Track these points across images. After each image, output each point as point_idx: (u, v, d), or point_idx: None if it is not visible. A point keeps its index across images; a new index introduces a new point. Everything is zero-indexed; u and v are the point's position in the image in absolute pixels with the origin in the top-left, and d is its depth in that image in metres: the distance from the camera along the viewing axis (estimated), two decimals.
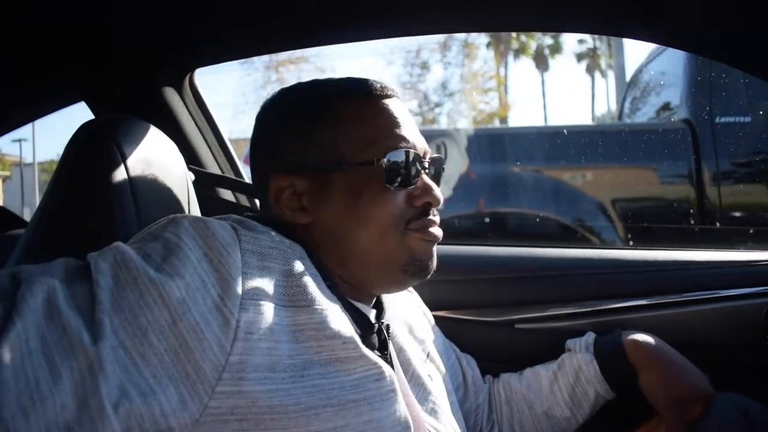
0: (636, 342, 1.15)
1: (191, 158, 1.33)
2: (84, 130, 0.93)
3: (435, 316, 1.21)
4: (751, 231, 3.08)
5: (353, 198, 0.83)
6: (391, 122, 0.87)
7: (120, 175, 0.87)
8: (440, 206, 0.88)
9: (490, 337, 1.41)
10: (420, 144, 0.89)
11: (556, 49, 23.46)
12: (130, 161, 0.88)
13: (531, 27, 1.31)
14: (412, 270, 0.86)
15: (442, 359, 1.06)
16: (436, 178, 0.92)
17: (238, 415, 0.64)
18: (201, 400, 0.62)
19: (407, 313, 1.03)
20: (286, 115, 0.89)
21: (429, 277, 0.88)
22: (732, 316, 1.40)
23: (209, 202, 1.19)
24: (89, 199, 0.86)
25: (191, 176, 1.10)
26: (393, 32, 1.24)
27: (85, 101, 1.41)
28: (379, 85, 0.91)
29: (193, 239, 0.68)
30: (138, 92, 1.38)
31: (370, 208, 0.83)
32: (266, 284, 0.69)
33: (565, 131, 3.81)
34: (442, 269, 1.54)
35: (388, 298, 0.99)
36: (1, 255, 1.31)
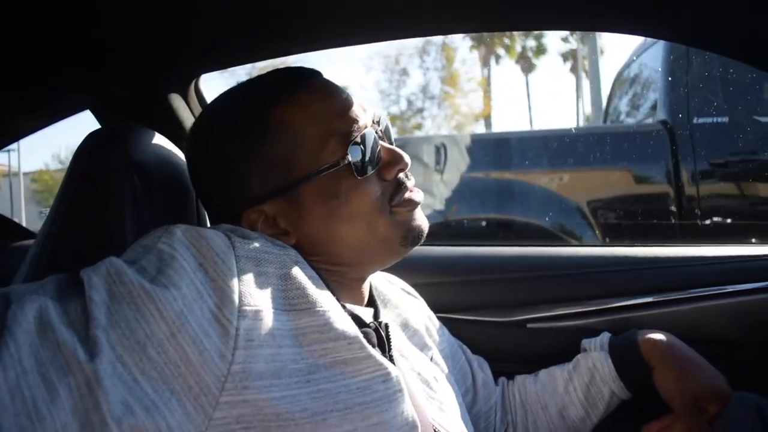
0: (651, 340, 1.14)
1: None
2: (92, 139, 0.93)
3: (446, 318, 1.21)
4: (729, 223, 3.11)
5: (329, 203, 0.81)
6: (332, 107, 0.83)
7: (129, 183, 0.87)
8: (409, 164, 0.87)
9: (501, 338, 1.41)
10: (362, 113, 0.85)
11: (540, 50, 23.10)
12: (138, 169, 0.88)
13: (536, 26, 1.29)
14: (410, 240, 0.86)
15: (448, 363, 1.04)
16: (388, 135, 0.90)
17: (244, 424, 0.63)
18: (206, 412, 0.61)
19: (410, 315, 1.01)
20: (231, 138, 0.83)
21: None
22: (743, 311, 1.39)
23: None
24: (99, 208, 0.86)
25: None
26: (405, 33, 1.23)
27: (90, 109, 1.41)
28: (300, 71, 0.87)
29: (187, 249, 0.66)
30: (143, 100, 1.38)
31: (350, 206, 0.81)
32: (264, 290, 0.68)
33: (546, 135, 3.85)
34: (451, 270, 1.55)
35: (384, 299, 0.98)
36: (9, 266, 1.31)
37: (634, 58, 3.82)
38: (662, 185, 3.33)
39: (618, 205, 3.55)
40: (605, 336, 1.20)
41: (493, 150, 3.89)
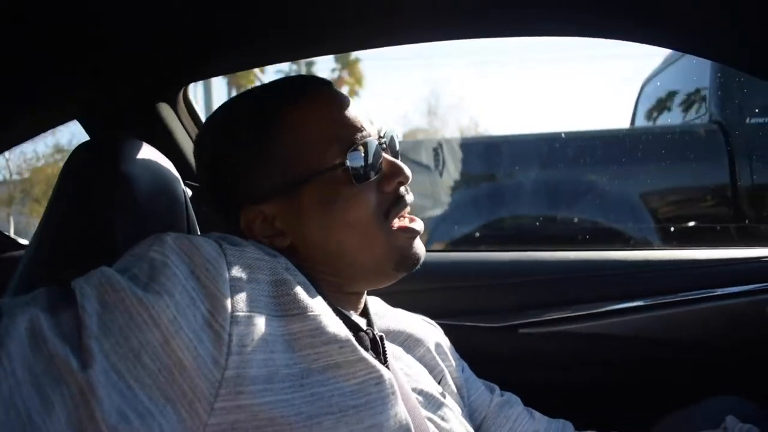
0: None
1: (188, 173, 1.32)
2: (81, 151, 0.93)
3: (438, 324, 1.21)
4: None
5: (327, 207, 0.82)
6: (339, 114, 0.85)
7: (120, 194, 0.86)
8: (410, 178, 0.87)
9: (494, 343, 1.41)
10: (368, 124, 0.87)
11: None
12: (128, 180, 0.88)
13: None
14: (404, 266, 0.86)
15: (462, 392, 1.02)
16: (393, 149, 0.90)
17: (239, 430, 0.62)
18: (200, 418, 0.61)
19: (421, 334, 1.01)
20: (235, 137, 0.86)
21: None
22: (734, 314, 1.40)
23: (207, 217, 1.18)
24: (89, 219, 0.86)
25: (189, 192, 1.10)
26: (409, 38, 1.23)
27: (78, 120, 1.40)
28: (314, 79, 0.89)
29: (178, 256, 0.66)
30: (132, 110, 1.38)
31: (347, 213, 0.82)
32: (255, 296, 0.68)
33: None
34: (443, 276, 1.55)
35: (376, 312, 0.98)
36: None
37: (665, 65, 3.81)
38: (718, 187, 3.32)
39: (673, 207, 3.54)
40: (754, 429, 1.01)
41: (547, 150, 3.84)
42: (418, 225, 0.88)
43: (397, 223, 0.85)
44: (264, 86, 0.91)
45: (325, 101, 0.86)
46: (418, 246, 0.88)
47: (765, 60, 1.10)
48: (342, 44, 1.29)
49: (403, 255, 0.85)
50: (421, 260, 0.88)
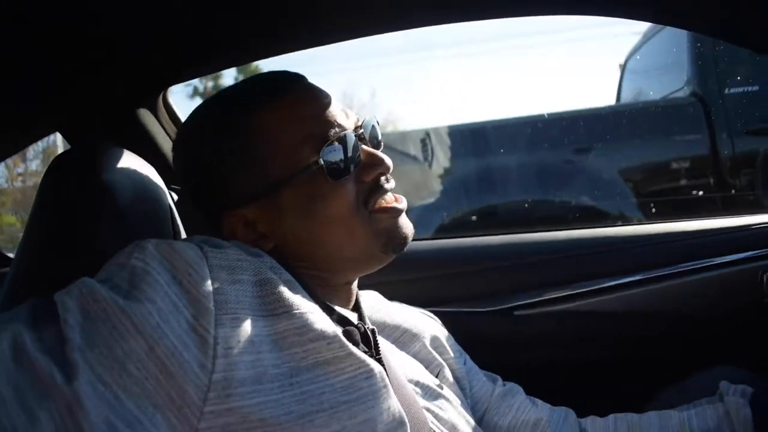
0: None
1: (172, 178, 1.31)
2: (61, 161, 0.92)
3: (433, 312, 1.21)
4: None
5: (307, 207, 0.81)
6: (312, 111, 0.83)
7: (102, 203, 0.85)
8: (391, 168, 0.86)
9: (489, 327, 1.41)
10: (344, 117, 0.85)
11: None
12: (110, 189, 0.87)
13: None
14: (391, 248, 0.85)
15: (463, 383, 1.02)
16: (374, 139, 0.89)
17: None
18: (190, 424, 0.60)
19: (417, 329, 1.01)
20: (209, 143, 0.85)
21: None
22: (728, 282, 1.41)
23: (193, 220, 1.18)
24: (71, 230, 0.85)
25: (175, 196, 1.09)
26: (402, 25, 1.21)
27: (59, 131, 1.39)
28: (286, 75, 0.88)
29: (159, 263, 0.66)
30: (111, 117, 1.36)
31: (327, 210, 0.81)
32: (239, 297, 0.67)
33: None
34: (436, 264, 1.55)
35: (372, 306, 0.98)
36: None
37: (645, 40, 3.81)
38: (700, 158, 3.34)
39: (655, 180, 3.55)
40: (748, 388, 1.02)
41: (529, 132, 3.81)
42: (401, 204, 0.87)
43: (377, 205, 0.84)
44: (235, 87, 0.90)
45: (297, 99, 0.85)
46: (404, 224, 0.86)
47: (747, 29, 1.10)
48: (330, 35, 1.27)
49: (389, 236, 0.84)
50: (410, 238, 0.87)
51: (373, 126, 0.89)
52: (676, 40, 3.37)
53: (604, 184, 3.50)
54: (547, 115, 3.84)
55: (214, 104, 0.90)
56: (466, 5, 1.15)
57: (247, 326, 0.66)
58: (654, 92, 3.82)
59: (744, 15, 1.08)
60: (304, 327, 0.70)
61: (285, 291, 0.71)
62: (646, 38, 3.76)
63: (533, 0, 1.15)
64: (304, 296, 0.74)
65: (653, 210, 3.45)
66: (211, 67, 1.34)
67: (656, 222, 1.55)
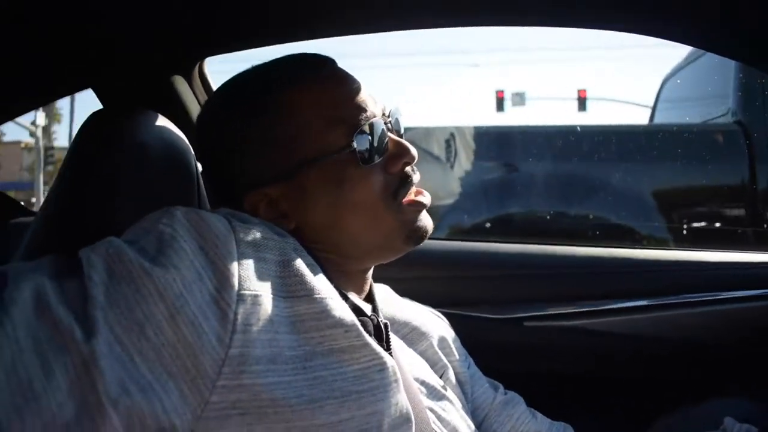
0: None
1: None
2: (93, 120, 0.92)
3: (442, 313, 1.20)
4: None
5: (333, 190, 0.81)
6: (343, 95, 0.84)
7: (129, 165, 0.86)
8: (416, 158, 0.86)
9: (497, 334, 1.41)
10: (372, 104, 0.86)
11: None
12: (140, 151, 0.87)
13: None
14: (413, 239, 0.86)
15: (465, 387, 1.02)
16: (398, 129, 0.89)
17: (240, 409, 0.62)
18: (202, 395, 0.60)
19: (426, 328, 1.01)
20: (238, 119, 0.85)
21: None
22: (739, 317, 1.40)
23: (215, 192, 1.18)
24: (99, 189, 0.85)
25: (200, 166, 1.09)
26: (426, 22, 1.21)
27: (92, 89, 1.40)
28: (316, 57, 0.88)
29: (187, 231, 0.66)
30: (146, 81, 1.37)
31: (353, 195, 0.81)
32: (263, 275, 0.67)
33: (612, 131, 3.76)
34: (448, 265, 1.55)
35: (382, 300, 0.98)
36: (7, 244, 1.30)
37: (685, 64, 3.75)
38: (735, 187, 3.27)
39: (684, 206, 3.51)
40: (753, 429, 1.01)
41: (562, 144, 3.80)
42: (426, 198, 0.87)
43: (405, 198, 0.85)
44: (265, 65, 0.90)
45: (329, 81, 0.85)
46: (426, 219, 0.87)
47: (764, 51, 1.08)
48: (375, 24, 1.26)
49: (412, 229, 0.85)
50: (429, 232, 0.87)
51: (397, 117, 0.90)
52: (719, 67, 3.32)
53: (629, 203, 3.46)
54: (580, 127, 3.80)
55: (242, 81, 0.89)
56: (467, 10, 1.16)
57: (267, 305, 0.66)
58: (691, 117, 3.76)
59: (737, 25, 1.07)
60: (324, 312, 0.69)
61: (308, 274, 0.71)
62: (688, 61, 3.72)
63: (554, 12, 1.15)
64: (324, 281, 0.74)
65: (681, 234, 3.41)
66: (255, 41, 1.34)
67: (674, 249, 1.54)
